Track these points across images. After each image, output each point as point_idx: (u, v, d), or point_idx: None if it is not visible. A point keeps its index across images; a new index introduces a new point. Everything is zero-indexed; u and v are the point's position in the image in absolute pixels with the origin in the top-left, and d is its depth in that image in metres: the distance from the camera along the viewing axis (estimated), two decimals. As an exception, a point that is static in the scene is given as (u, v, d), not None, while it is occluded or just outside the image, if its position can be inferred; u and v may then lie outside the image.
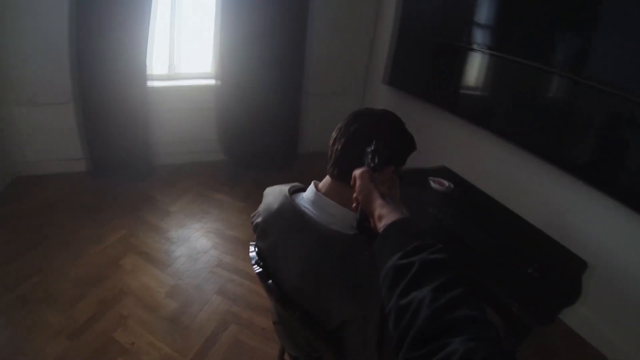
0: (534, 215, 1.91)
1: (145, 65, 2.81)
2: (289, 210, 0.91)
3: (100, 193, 2.95)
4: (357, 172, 0.72)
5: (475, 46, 2.57)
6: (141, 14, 2.60)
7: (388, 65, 3.45)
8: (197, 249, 2.50)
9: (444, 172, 2.18)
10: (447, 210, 1.79)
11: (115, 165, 3.04)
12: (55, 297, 2.00)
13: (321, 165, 0.94)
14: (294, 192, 0.98)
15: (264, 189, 1.04)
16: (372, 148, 0.74)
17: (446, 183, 1.92)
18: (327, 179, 0.92)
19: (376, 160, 0.71)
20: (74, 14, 2.53)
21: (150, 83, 2.92)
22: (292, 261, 0.91)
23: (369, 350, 0.92)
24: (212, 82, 3.19)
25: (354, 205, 0.72)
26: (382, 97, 3.63)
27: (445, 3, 2.86)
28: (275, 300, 0.96)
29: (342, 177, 0.86)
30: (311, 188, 0.94)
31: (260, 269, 1.00)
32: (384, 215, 0.63)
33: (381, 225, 0.62)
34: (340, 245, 0.83)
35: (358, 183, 0.70)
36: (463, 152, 2.90)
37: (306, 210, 0.90)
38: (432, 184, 1.92)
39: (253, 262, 1.03)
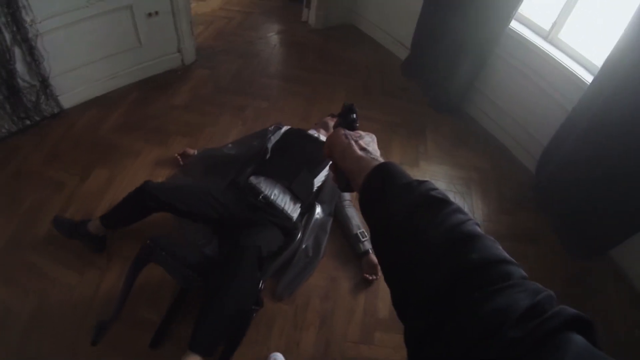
0: None
1: (516, 3, 2.11)
2: None
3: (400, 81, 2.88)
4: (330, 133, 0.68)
5: None
6: None
7: None
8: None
9: None
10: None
11: (425, 77, 2.76)
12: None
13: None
14: None
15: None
16: (347, 106, 0.70)
17: None
18: None
19: (353, 116, 0.69)
20: None
21: (514, 26, 2.27)
22: None
23: None
24: (588, 78, 1.95)
25: (329, 164, 0.65)
26: None
27: None
28: None
29: None
30: None
31: None
32: (365, 167, 0.54)
33: (360, 177, 0.53)
34: None
35: (331, 140, 0.63)
36: None
37: None
38: None
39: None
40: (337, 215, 1.94)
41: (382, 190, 0.49)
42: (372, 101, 2.69)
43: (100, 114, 2.43)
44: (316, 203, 1.88)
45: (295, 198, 1.74)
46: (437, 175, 2.35)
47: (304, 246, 1.77)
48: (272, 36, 3.21)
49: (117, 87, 2.56)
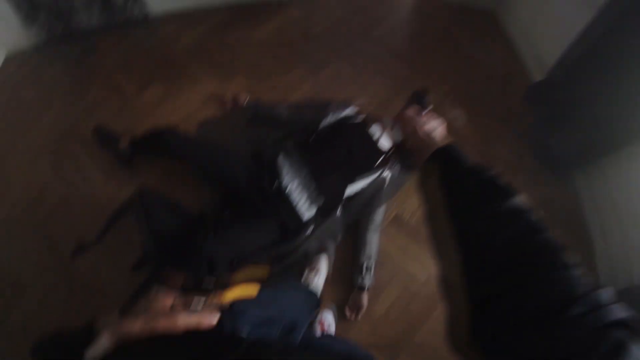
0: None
1: None
2: None
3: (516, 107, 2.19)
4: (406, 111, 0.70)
5: None
6: None
7: None
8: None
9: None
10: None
11: (553, 116, 2.02)
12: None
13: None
14: None
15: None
16: (422, 90, 0.78)
17: None
18: None
19: (426, 101, 0.76)
20: None
21: None
22: None
23: None
24: None
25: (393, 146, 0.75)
26: None
27: None
28: None
29: None
30: None
31: None
32: (428, 147, 0.59)
33: (424, 157, 0.59)
34: None
35: (402, 117, 0.68)
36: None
37: None
38: None
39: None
40: (356, 234, 1.65)
41: (448, 169, 0.53)
42: (471, 122, 2.03)
43: (181, 28, 2.34)
44: (340, 207, 1.57)
45: (314, 199, 1.46)
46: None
47: (302, 248, 1.53)
48: (400, -7, 2.69)
49: (207, 5, 2.42)
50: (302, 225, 1.46)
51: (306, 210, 1.45)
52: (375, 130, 1.62)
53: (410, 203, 1.82)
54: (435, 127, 0.64)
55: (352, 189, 1.51)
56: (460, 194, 0.49)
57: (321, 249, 1.60)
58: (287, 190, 1.41)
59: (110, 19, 2.29)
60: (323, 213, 1.50)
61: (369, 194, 1.57)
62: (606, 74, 1.67)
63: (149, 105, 2.05)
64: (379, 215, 1.63)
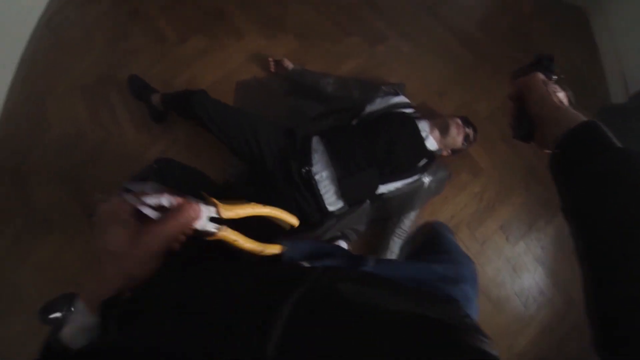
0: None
1: None
2: None
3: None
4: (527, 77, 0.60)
5: None
6: None
7: None
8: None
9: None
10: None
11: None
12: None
13: None
14: None
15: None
16: (548, 56, 0.61)
17: None
18: None
19: (552, 68, 0.61)
20: None
21: None
22: None
23: None
24: None
25: (513, 107, 0.61)
26: None
27: None
28: None
29: None
30: None
31: None
32: (564, 119, 0.51)
33: (558, 129, 0.50)
34: None
35: (529, 82, 0.58)
36: None
37: None
38: None
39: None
40: (380, 234, 1.53)
41: (596, 149, 0.45)
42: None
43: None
44: (368, 202, 1.42)
45: (341, 194, 1.31)
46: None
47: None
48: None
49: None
50: (324, 218, 1.33)
51: (331, 204, 1.31)
52: (424, 126, 1.42)
53: (444, 212, 1.65)
54: (562, 99, 0.56)
55: (386, 187, 1.36)
56: (616, 179, 0.42)
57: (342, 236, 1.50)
58: (315, 178, 1.27)
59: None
60: (349, 207, 1.36)
61: (403, 196, 1.42)
62: None
63: (190, 56, 1.93)
64: (408, 221, 1.48)
